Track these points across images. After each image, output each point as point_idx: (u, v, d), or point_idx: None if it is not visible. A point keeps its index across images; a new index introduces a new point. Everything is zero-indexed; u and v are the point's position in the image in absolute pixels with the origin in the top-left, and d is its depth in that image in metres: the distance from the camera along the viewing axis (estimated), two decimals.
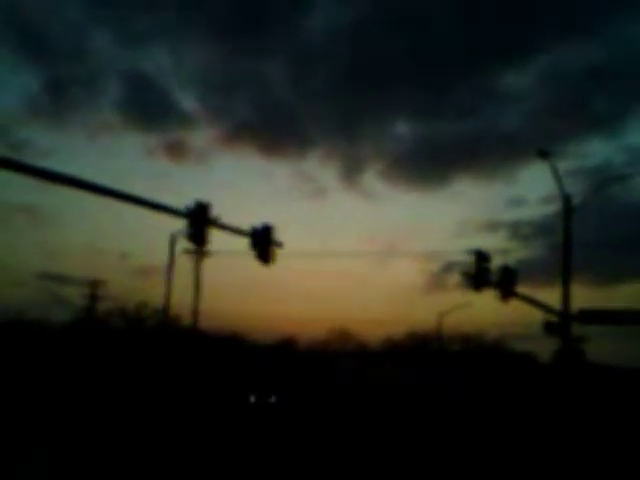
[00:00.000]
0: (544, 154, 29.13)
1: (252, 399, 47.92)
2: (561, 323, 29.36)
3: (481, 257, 27.05)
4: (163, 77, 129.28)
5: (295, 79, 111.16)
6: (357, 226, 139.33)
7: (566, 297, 29.13)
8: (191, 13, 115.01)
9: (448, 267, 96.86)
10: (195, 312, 42.81)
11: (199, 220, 21.46)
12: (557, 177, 29.15)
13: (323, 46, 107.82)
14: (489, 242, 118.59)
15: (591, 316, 29.66)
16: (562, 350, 30.39)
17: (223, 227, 22.92)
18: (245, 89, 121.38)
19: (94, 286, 61.79)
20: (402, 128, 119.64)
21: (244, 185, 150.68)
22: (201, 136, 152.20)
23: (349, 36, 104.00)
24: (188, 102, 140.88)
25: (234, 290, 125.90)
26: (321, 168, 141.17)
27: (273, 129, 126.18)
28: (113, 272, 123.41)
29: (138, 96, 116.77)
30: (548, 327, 29.66)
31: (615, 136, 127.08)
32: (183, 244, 36.89)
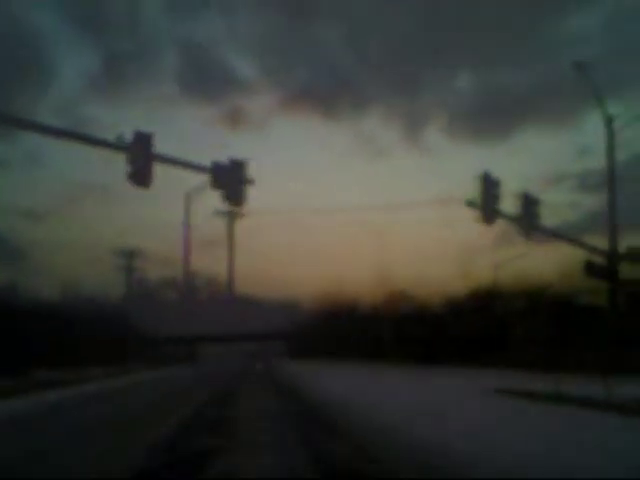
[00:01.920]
0: (579, 66, 28.08)
1: None
2: (607, 264, 28.88)
3: (489, 182, 25.21)
4: (218, 45, 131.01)
5: (351, 38, 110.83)
6: (420, 184, 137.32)
7: (613, 234, 28.99)
8: None
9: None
10: (230, 276, 44.76)
11: (140, 154, 18.97)
12: (596, 94, 27.94)
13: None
14: (556, 195, 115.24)
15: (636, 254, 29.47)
16: (612, 294, 28.96)
17: (172, 162, 20.74)
18: (301, 52, 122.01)
19: (130, 257, 63.94)
20: (462, 81, 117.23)
21: (304, 150, 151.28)
22: (259, 102, 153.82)
23: None
24: (244, 69, 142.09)
25: (290, 254, 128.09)
26: (381, 127, 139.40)
27: (331, 91, 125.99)
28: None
29: (194, 66, 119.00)
30: (589, 268, 27.93)
31: None
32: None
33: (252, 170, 22.05)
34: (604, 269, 28.40)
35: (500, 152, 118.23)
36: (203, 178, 23.09)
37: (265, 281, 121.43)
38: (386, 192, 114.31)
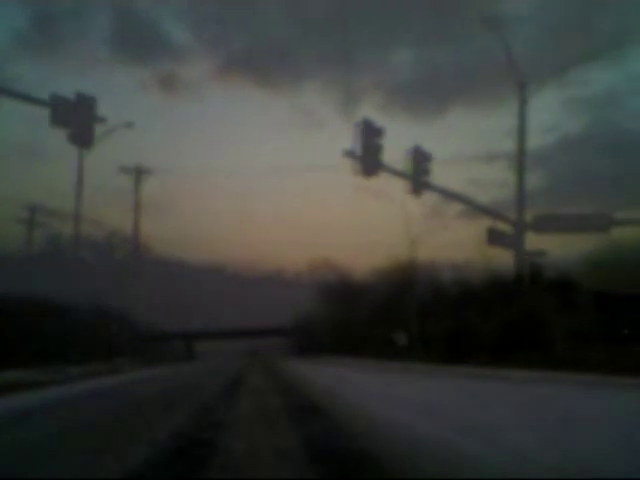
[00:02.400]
0: (487, 20, 27.04)
1: None
2: (513, 232, 27.44)
3: (370, 129, 23.61)
4: (154, 9, 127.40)
5: (290, 8, 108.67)
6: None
7: (521, 202, 27.45)
8: None
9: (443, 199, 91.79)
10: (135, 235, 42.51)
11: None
12: (508, 53, 27.09)
13: None
14: (487, 173, 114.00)
15: (547, 223, 27.88)
16: (517, 265, 27.98)
17: (8, 93, 19.85)
18: (239, 20, 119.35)
19: (32, 212, 60.54)
20: (400, 57, 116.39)
21: (240, 118, 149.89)
22: (194, 69, 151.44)
23: None
24: (180, 34, 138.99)
25: (209, 216, 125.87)
26: (318, 100, 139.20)
27: (268, 61, 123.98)
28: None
29: (128, 28, 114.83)
30: (492, 236, 26.90)
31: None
32: None
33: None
34: (506, 236, 26.75)
35: (435, 129, 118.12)
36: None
37: (191, 244, 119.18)
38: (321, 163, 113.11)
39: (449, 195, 26.50)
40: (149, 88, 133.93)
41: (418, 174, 24.10)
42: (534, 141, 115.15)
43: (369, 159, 22.64)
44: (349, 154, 22.64)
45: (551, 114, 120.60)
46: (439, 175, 25.26)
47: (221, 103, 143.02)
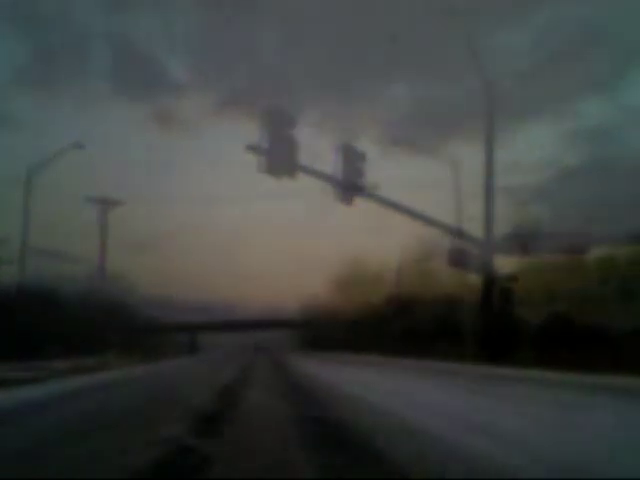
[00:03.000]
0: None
1: None
2: (482, 253, 23.31)
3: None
4: (152, 43, 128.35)
5: (286, 44, 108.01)
6: None
7: (489, 221, 23.37)
8: None
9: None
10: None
11: None
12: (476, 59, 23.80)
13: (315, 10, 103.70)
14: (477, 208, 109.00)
15: (520, 242, 23.65)
16: (486, 291, 23.74)
17: None
18: (235, 55, 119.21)
19: None
20: (397, 92, 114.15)
21: (237, 155, 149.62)
22: (192, 105, 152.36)
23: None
24: (178, 70, 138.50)
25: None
26: (314, 134, 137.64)
27: (265, 96, 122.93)
28: None
29: (126, 64, 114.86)
30: (453, 257, 23.11)
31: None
32: None
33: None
34: (472, 256, 22.68)
35: (430, 164, 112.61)
36: None
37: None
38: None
39: (389, 205, 22.32)
40: (146, 124, 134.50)
41: (349, 176, 20.05)
42: (528, 176, 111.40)
43: (278, 154, 18.83)
44: (252, 148, 18.96)
45: (548, 149, 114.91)
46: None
47: (217, 137, 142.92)
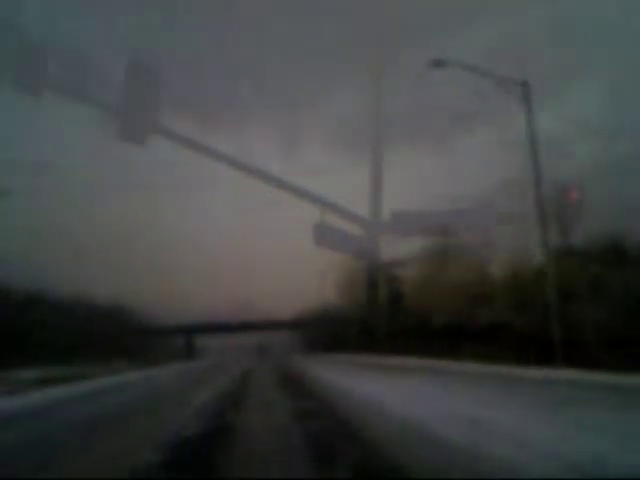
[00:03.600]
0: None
1: None
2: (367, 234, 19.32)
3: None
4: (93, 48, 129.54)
5: (231, 47, 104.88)
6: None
7: (376, 200, 18.59)
8: None
9: None
10: None
11: None
12: None
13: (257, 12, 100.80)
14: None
15: (405, 221, 18.43)
16: (370, 282, 20.38)
17: None
18: (179, 60, 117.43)
19: None
20: (343, 99, 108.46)
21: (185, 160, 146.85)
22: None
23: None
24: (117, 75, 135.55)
25: None
26: (259, 140, 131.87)
27: (209, 101, 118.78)
28: None
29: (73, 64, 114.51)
30: (318, 234, 18.98)
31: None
32: None
33: None
34: (339, 234, 18.68)
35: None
36: None
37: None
38: None
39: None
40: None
41: (137, 105, 14.75)
42: (472, 185, 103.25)
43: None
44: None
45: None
46: None
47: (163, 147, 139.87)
